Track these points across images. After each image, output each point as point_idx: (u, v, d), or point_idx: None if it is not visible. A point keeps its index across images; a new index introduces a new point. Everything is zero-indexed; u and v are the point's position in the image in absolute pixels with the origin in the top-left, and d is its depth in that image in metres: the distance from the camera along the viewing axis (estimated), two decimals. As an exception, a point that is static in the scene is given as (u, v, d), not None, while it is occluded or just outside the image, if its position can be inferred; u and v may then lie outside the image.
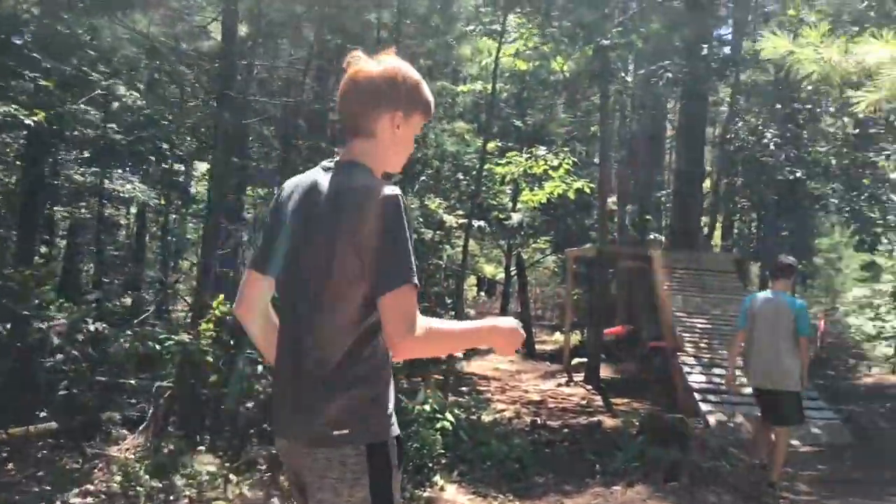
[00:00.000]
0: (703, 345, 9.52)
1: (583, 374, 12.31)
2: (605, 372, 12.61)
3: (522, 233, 18.70)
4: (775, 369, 5.46)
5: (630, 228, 17.64)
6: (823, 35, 3.33)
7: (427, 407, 6.25)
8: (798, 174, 11.89)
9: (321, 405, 1.82)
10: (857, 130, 11.82)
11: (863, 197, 11.90)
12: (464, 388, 10.32)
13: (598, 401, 10.18)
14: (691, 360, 9.13)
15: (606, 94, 12.94)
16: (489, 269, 22.62)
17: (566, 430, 7.53)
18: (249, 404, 6.82)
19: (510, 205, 19.60)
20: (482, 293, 20.81)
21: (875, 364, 17.22)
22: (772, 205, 14.28)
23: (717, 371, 8.91)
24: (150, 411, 6.51)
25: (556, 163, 13.99)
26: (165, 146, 9.09)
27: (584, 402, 9.88)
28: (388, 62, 1.94)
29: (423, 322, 1.77)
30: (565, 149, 15.02)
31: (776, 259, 5.91)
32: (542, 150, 13.76)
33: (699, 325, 9.94)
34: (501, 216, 18.13)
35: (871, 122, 11.12)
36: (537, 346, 18.65)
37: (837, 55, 3.24)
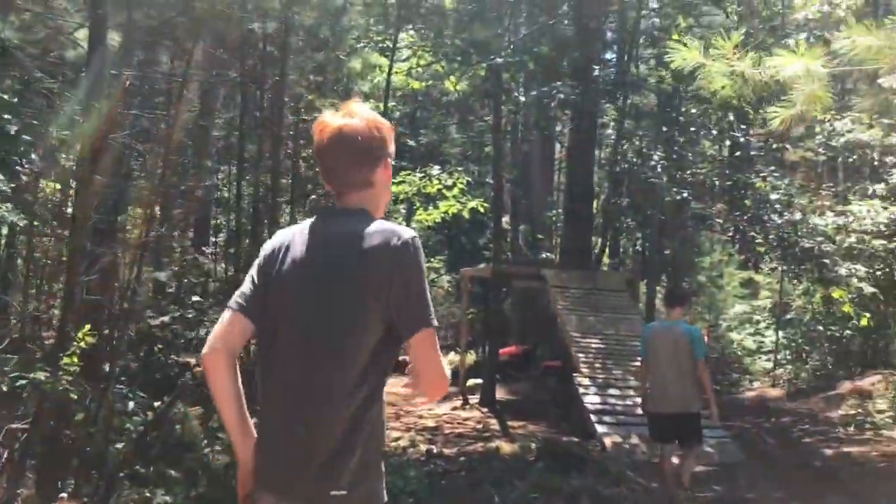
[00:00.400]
0: (597, 365, 9.52)
1: (478, 396, 12.14)
2: (500, 393, 12.48)
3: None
4: (677, 395, 5.62)
5: (523, 248, 17.74)
6: (736, 46, 3.23)
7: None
8: (684, 194, 12.20)
9: (340, 464, 1.76)
10: (738, 153, 12.26)
11: (745, 217, 12.33)
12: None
13: (495, 424, 10.00)
14: (586, 381, 9.09)
15: (499, 114, 12.93)
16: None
17: (463, 459, 7.28)
18: (120, 444, 6.25)
19: (404, 224, 19.36)
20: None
21: (756, 378, 17.97)
22: (656, 224, 14.67)
23: (612, 392, 8.90)
24: (4, 455, 5.83)
25: (450, 182, 13.91)
26: (25, 161, 8.29)
27: (480, 427, 9.67)
28: (366, 113, 1.98)
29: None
30: (459, 168, 14.95)
31: (670, 289, 5.82)
32: (436, 170, 13.63)
33: (594, 346, 9.95)
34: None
35: (750, 145, 11.56)
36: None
37: (751, 68, 3.15)
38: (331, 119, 1.95)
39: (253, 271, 1.94)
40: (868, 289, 11.59)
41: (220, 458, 6.33)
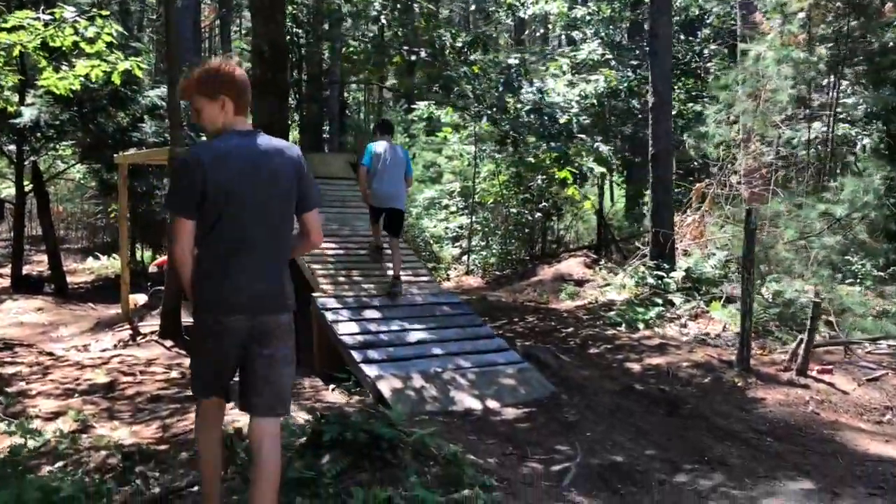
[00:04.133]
0: (341, 279, 7.16)
1: (156, 326, 9.08)
2: (184, 315, 9.54)
3: (39, 134, 13.95)
4: (396, 194, 7.43)
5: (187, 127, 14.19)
6: None
7: None
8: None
9: (286, 291, 3.04)
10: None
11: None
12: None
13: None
14: (332, 303, 6.71)
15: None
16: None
17: (187, 456, 4.50)
18: None
19: (16, 96, 14.55)
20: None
21: (447, 266, 17.08)
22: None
23: (370, 314, 6.66)
24: None
25: (91, 33, 9.96)
26: None
27: (178, 377, 6.80)
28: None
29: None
30: (105, 14, 10.87)
31: (384, 119, 9.01)
32: (69, 12, 9.59)
33: (330, 253, 7.52)
34: (7, 110, 13.13)
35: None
36: (70, 279, 14.41)
37: None
38: (232, 63, 3.08)
39: (186, 182, 2.87)
40: (599, 168, 10.74)
41: None
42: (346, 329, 6.33)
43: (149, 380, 6.71)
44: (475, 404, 5.65)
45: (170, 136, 9.01)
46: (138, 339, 9.04)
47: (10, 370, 7.11)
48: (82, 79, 9.95)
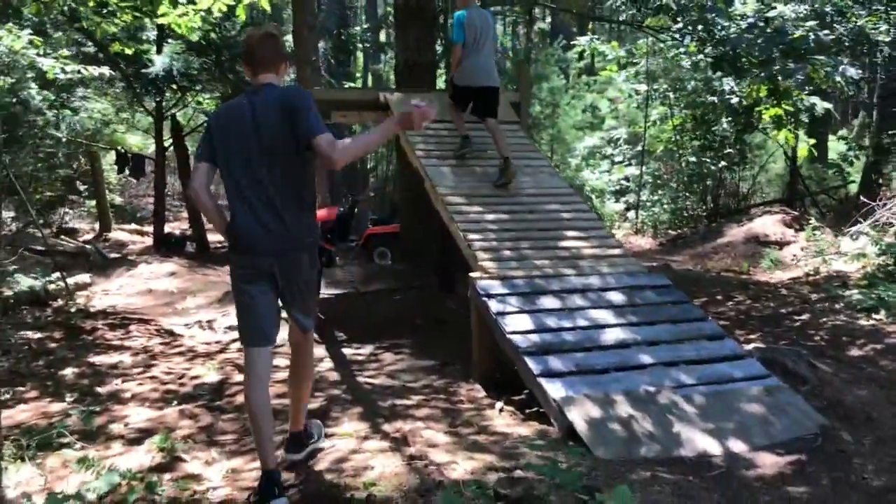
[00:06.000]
0: (507, 252, 5.43)
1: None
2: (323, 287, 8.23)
3: (174, 86, 13.06)
4: (493, 69, 6.53)
5: (332, 63, 12.86)
6: None
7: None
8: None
9: (290, 231, 3.25)
10: None
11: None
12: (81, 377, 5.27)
13: (333, 368, 5.79)
14: (498, 287, 5.01)
15: None
16: (134, 141, 16.49)
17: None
18: None
19: (153, 46, 13.76)
20: (126, 172, 14.92)
21: (612, 224, 15.02)
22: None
23: (546, 303, 4.92)
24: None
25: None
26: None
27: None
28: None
29: (339, 144, 3.14)
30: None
31: None
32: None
33: (490, 218, 5.81)
34: (143, 58, 12.38)
35: None
36: (212, 238, 13.59)
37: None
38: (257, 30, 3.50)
39: (204, 134, 3.35)
40: (822, 104, 8.33)
41: None
42: (517, 324, 4.62)
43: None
44: (712, 446, 3.82)
45: (296, 77, 7.58)
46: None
47: (112, 359, 5.97)
48: (202, 12, 8.72)
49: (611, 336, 4.66)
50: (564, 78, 17.74)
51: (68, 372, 5.50)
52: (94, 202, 18.12)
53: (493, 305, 4.78)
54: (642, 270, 5.49)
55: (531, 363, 4.28)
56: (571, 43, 16.97)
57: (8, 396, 4.97)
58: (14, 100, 13.74)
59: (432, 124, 6.90)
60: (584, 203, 6.63)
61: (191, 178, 3.34)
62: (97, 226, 17.64)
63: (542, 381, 4.16)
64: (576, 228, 5.88)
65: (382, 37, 21.78)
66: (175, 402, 4.80)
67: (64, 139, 15.57)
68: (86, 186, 18.44)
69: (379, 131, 3.29)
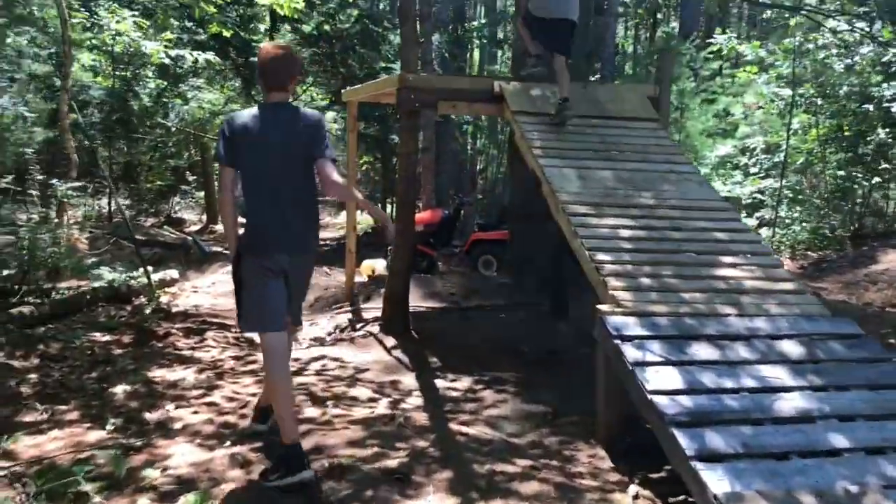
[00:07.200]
0: (646, 281, 4.30)
1: (380, 310, 6.94)
2: (415, 298, 7.32)
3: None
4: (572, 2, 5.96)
5: (447, 57, 11.97)
6: None
7: None
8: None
9: (312, 233, 3.63)
10: None
11: None
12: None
13: (422, 406, 4.83)
14: (635, 327, 3.90)
15: None
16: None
17: None
18: None
19: (265, 37, 13.40)
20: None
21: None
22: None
23: (700, 352, 3.77)
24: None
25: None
26: None
27: (388, 417, 4.44)
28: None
29: (337, 175, 3.44)
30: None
31: None
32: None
33: (625, 236, 4.69)
34: (254, 49, 12.00)
35: None
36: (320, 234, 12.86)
37: None
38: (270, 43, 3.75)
39: (233, 139, 3.43)
40: None
41: None
42: (662, 381, 3.50)
43: (343, 415, 4.42)
44: None
45: (400, 62, 6.69)
46: (358, 326, 6.97)
47: (174, 374, 5.22)
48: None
49: (788, 405, 3.47)
50: (694, 80, 16.18)
51: (119, 390, 4.77)
52: (202, 193, 17.96)
53: (630, 352, 3.67)
54: (823, 312, 4.23)
55: (682, 439, 3.16)
56: (707, 41, 15.50)
57: (45, 417, 4.27)
58: (126, 88, 13.58)
59: (547, 116, 5.85)
60: (742, 221, 5.40)
61: (220, 185, 3.52)
62: (204, 217, 17.46)
63: (698, 466, 3.04)
64: (733, 253, 4.68)
65: (500, 34, 20.79)
66: (228, 442, 3.94)
67: (173, 128, 15.39)
68: (195, 177, 18.35)
69: (360, 198, 3.94)
